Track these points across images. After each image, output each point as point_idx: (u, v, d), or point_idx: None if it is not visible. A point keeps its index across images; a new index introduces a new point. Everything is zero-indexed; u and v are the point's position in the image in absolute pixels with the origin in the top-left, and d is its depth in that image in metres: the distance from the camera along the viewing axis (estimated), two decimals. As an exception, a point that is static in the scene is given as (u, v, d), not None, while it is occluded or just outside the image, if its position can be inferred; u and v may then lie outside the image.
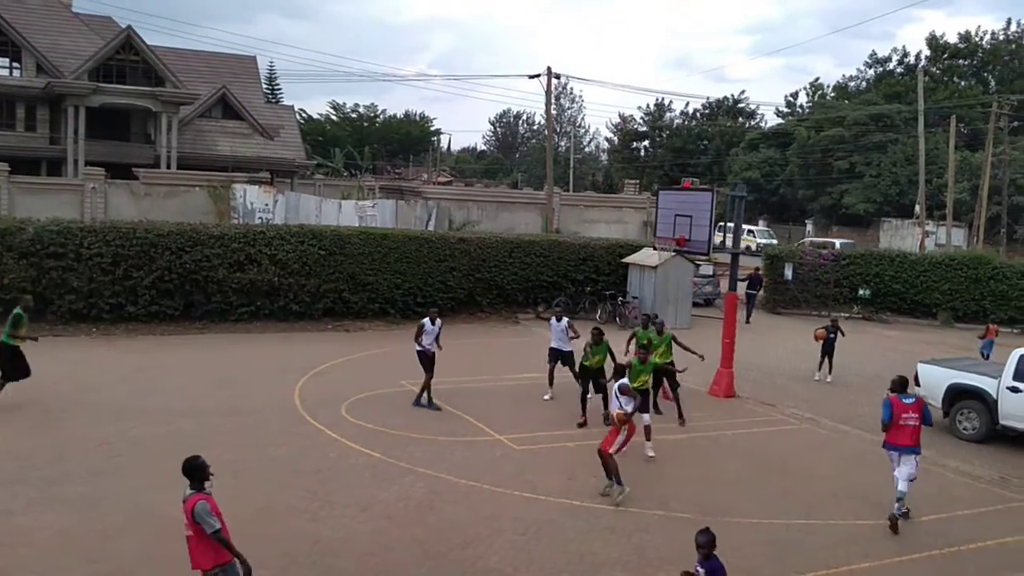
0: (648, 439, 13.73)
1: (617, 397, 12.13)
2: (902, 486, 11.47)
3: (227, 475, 11.91)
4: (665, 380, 16.50)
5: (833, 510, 12.01)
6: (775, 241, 52.82)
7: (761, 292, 31.39)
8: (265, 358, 19.77)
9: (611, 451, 11.76)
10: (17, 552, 9.40)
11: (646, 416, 13.75)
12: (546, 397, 17.06)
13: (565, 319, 17.23)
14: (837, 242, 46.72)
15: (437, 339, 16.34)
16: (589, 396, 15.78)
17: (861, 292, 31.58)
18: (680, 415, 15.93)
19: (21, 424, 13.80)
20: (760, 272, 31.79)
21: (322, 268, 24.31)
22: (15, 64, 45.56)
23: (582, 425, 15.27)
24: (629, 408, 11.93)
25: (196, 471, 7.30)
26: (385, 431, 14.41)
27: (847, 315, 29.91)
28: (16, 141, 44.80)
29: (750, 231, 54.99)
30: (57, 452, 12.57)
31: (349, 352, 20.74)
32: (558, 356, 17.16)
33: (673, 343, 16.52)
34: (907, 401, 11.72)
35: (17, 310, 15.06)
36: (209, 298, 23.14)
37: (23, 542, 9.63)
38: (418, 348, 16.19)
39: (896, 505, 11.43)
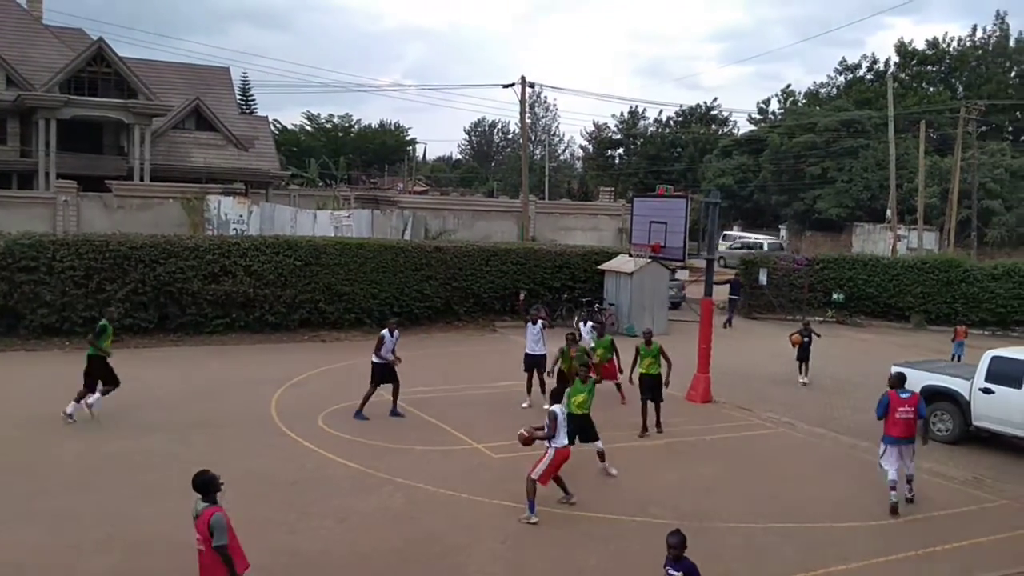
0: (603, 460, 13.21)
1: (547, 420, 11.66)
2: (892, 475, 12.25)
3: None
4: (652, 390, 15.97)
5: (810, 513, 12.09)
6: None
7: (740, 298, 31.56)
8: (241, 370, 19.64)
9: (532, 475, 11.33)
10: (-10, 570, 9.27)
11: (598, 443, 13.12)
12: (524, 405, 17.06)
13: (540, 322, 17.38)
14: (765, 243, 51.43)
15: (393, 350, 16.23)
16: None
17: (835, 296, 31.87)
18: (659, 423, 15.90)
19: (-7, 440, 13.59)
20: (739, 277, 32.04)
21: (298, 279, 24.21)
22: (-16, 77, 45.06)
23: None
24: (541, 432, 11.50)
25: (208, 484, 7.30)
26: (362, 441, 14.36)
27: (821, 319, 30.16)
28: (-14, 154, 44.33)
29: (756, 239, 55.06)
30: (32, 467, 12.41)
31: (326, 363, 20.65)
32: (533, 363, 17.24)
33: (661, 355, 16.04)
34: (903, 396, 12.59)
35: (103, 322, 15.58)
36: (184, 310, 22.97)
37: (-4, 560, 9.49)
38: (376, 360, 16.06)
39: (892, 494, 12.22)
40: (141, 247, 22.49)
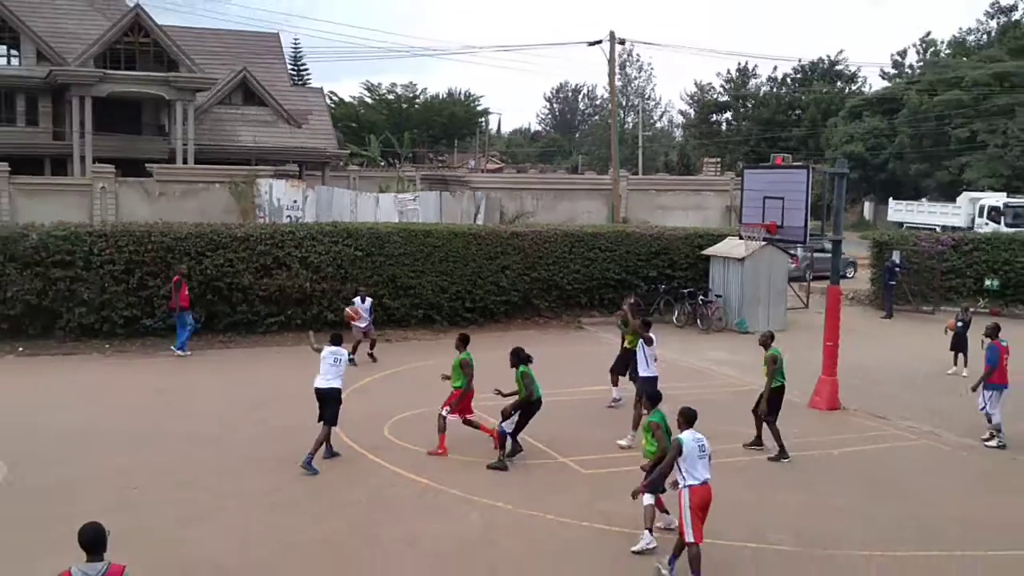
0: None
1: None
2: (999, 418, 15.25)
3: (262, 508, 12.16)
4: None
5: (960, 539, 11.77)
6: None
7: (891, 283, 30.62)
8: (298, 374, 19.85)
9: (687, 538, 10.01)
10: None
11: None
12: (615, 398, 17.52)
13: (653, 339, 15.80)
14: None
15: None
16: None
17: (988, 283, 30.88)
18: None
19: (30, 456, 14.12)
20: (898, 262, 30.94)
21: (359, 271, 24.58)
22: (13, 52, 46.97)
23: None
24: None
25: (101, 539, 6.97)
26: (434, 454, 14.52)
27: (972, 309, 29.24)
28: (17, 137, 46.10)
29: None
30: (70, 488, 12.85)
31: (392, 365, 20.93)
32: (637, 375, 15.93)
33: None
34: (1004, 344, 15.46)
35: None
36: (234, 308, 23.54)
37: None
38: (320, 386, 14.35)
39: (1002, 435, 15.33)
40: (186, 238, 23.13)
